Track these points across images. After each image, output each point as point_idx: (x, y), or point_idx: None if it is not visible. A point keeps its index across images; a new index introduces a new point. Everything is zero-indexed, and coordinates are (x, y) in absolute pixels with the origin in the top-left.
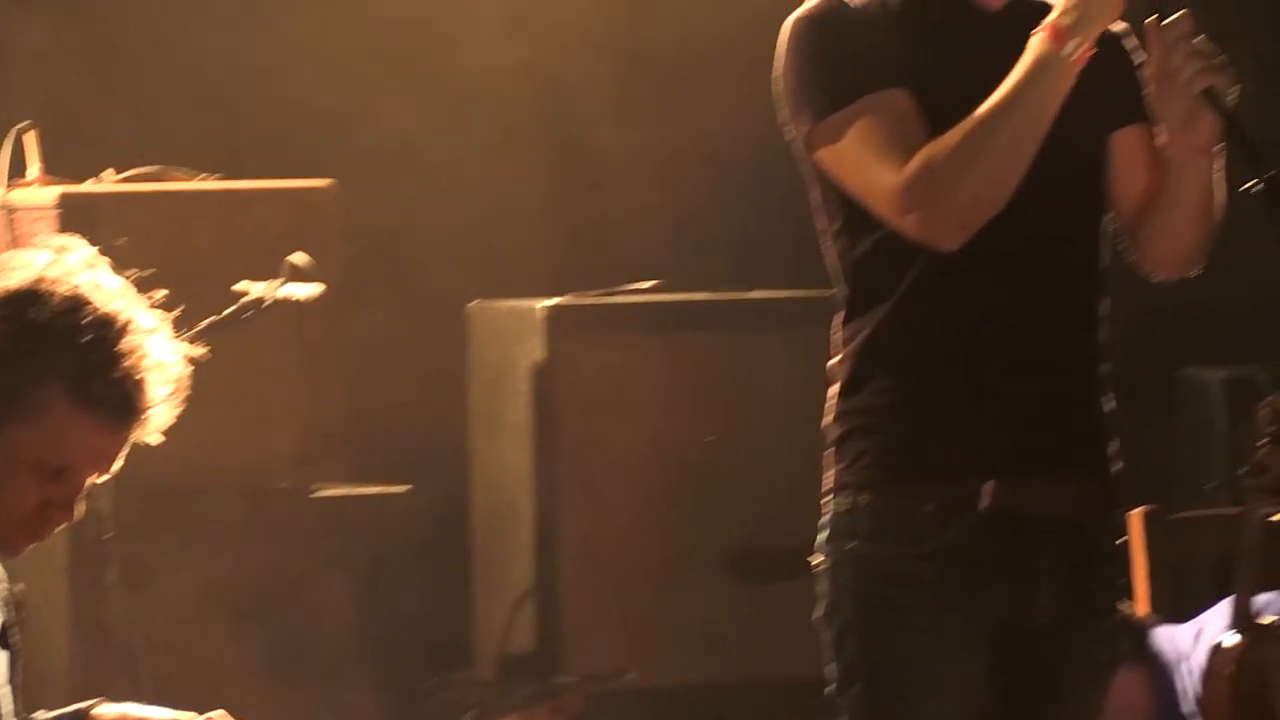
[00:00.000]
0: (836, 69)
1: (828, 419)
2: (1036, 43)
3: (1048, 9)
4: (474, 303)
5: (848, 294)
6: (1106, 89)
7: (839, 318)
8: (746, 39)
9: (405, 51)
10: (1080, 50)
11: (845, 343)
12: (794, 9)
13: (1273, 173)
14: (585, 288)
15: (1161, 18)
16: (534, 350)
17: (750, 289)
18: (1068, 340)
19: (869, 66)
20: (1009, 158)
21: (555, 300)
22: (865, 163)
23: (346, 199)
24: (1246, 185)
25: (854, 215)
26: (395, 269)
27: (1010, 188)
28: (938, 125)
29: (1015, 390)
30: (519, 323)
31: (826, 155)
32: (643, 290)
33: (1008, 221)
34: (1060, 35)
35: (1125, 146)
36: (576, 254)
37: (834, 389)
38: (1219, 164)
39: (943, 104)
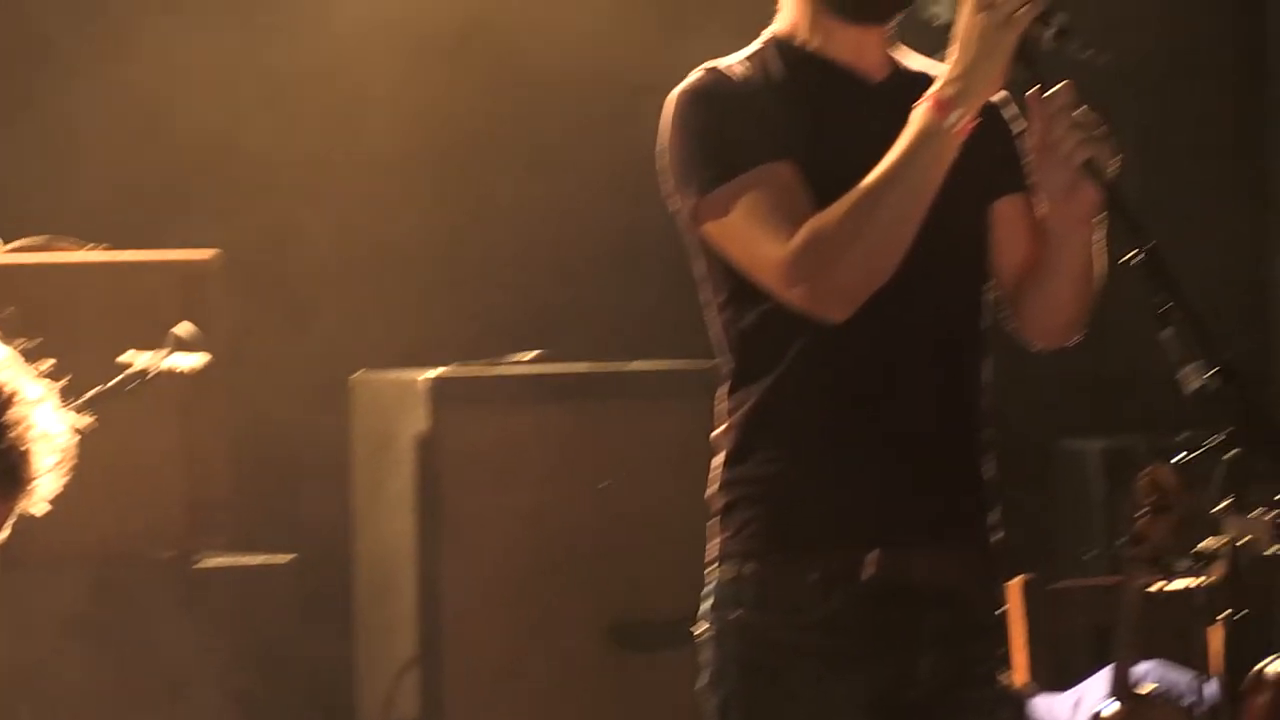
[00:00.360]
0: (721, 143)
1: (713, 488)
2: (920, 114)
3: (930, 80)
4: (358, 373)
5: (733, 365)
6: (988, 159)
7: (724, 388)
8: (631, 110)
9: (293, 124)
10: (963, 122)
11: (730, 413)
12: (676, 82)
13: (1152, 244)
14: (468, 359)
15: (1043, 89)
16: (417, 420)
17: (632, 360)
18: (951, 410)
19: (753, 140)
20: (894, 229)
21: (438, 371)
22: (752, 236)
23: (232, 270)
24: (1126, 256)
25: (739, 287)
26: (280, 339)
27: (896, 259)
28: (823, 198)
29: (899, 460)
30: (402, 393)
31: (713, 229)
32: (525, 361)
33: (892, 292)
34: (943, 107)
35: (1006, 216)
36: (460, 325)
37: (719, 459)
38: (1099, 234)
39: (827, 176)
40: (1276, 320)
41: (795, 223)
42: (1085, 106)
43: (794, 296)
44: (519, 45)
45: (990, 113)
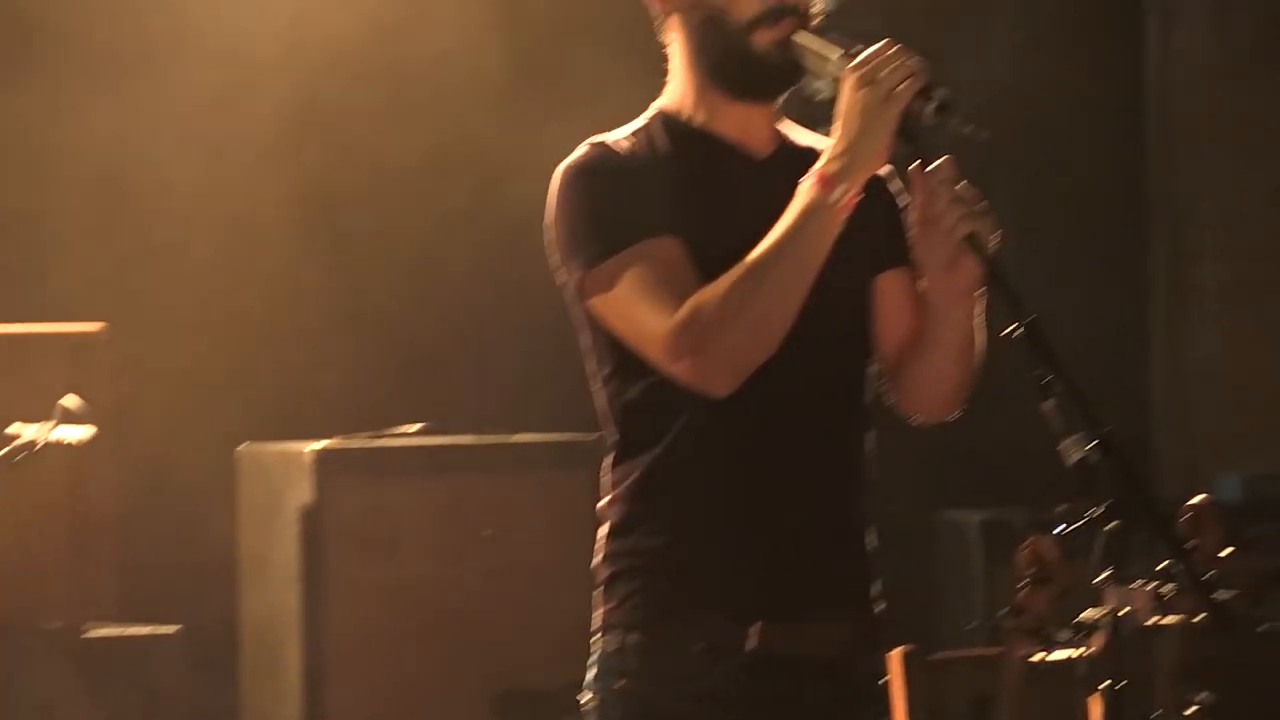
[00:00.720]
0: (606, 217)
1: (597, 559)
2: (805, 190)
3: (815, 155)
4: (243, 445)
5: (618, 438)
6: (871, 233)
7: (609, 460)
8: (511, 182)
9: (177, 195)
10: (848, 197)
11: (615, 485)
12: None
13: (1032, 317)
14: (353, 431)
15: (924, 164)
16: (302, 492)
17: (514, 432)
18: (834, 482)
19: (639, 215)
20: (778, 304)
21: (323, 443)
22: (637, 310)
23: (118, 342)
24: (1007, 330)
25: (624, 361)
26: (166, 411)
27: (780, 333)
28: (707, 272)
29: (783, 532)
30: (287, 465)
31: (598, 303)
32: (409, 434)
33: (776, 365)
34: (828, 182)
35: (889, 290)
36: (344, 398)
37: (604, 530)
38: (980, 308)
39: (712, 251)
40: (1155, 393)
41: (681, 297)
42: (966, 181)
43: (679, 370)
44: (395, 120)
45: (874, 187)
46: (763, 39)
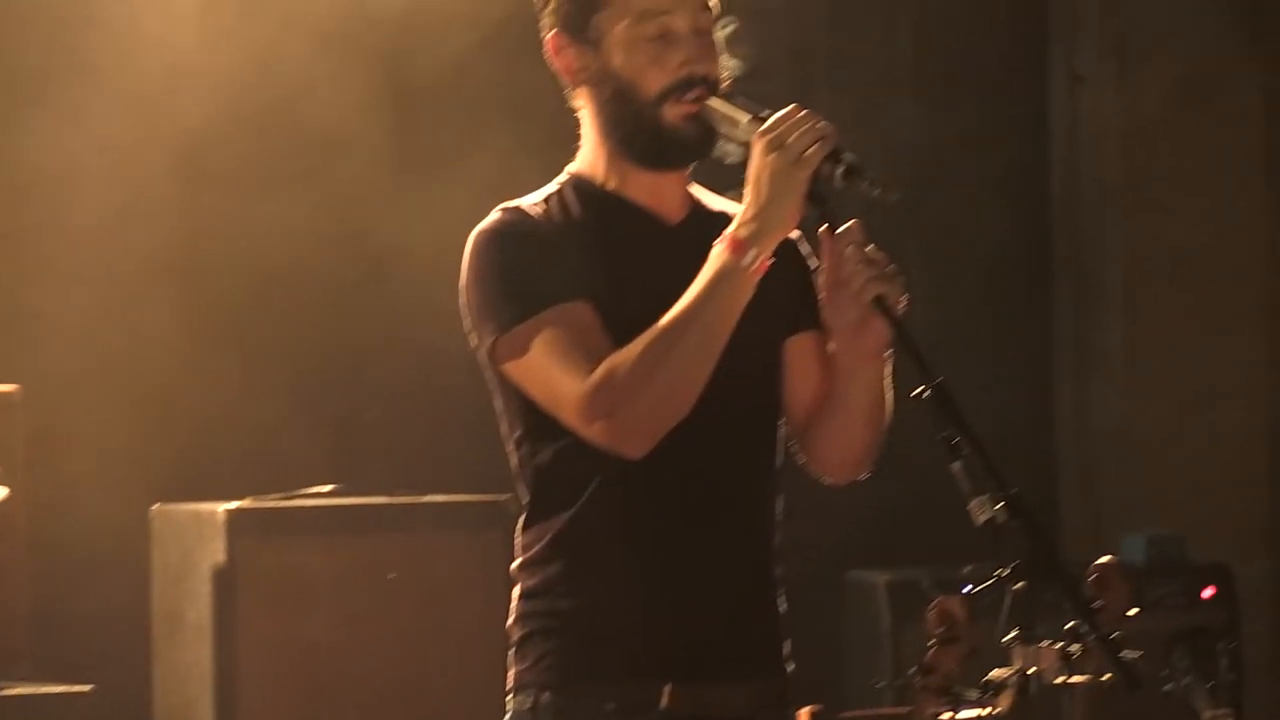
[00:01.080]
0: (520, 281)
1: (511, 620)
2: (717, 254)
3: (727, 219)
4: (156, 505)
5: (530, 499)
6: (782, 296)
7: (522, 522)
8: (424, 244)
9: (87, 256)
10: (759, 261)
11: (528, 547)
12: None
13: (940, 379)
14: (265, 492)
15: (833, 227)
16: (215, 552)
17: (425, 493)
18: (745, 543)
19: (552, 278)
20: (691, 366)
21: (235, 504)
22: (551, 373)
23: (31, 403)
24: (915, 391)
25: (537, 423)
26: (79, 472)
27: (694, 395)
28: (620, 337)
29: (694, 593)
30: (200, 525)
31: (512, 367)
32: (321, 494)
33: (688, 427)
34: (739, 247)
35: (798, 352)
36: (257, 458)
37: (517, 591)
38: (888, 370)
39: (625, 316)
40: (1061, 455)
41: (594, 360)
42: (874, 244)
43: (593, 432)
44: (294, 184)
45: (784, 250)
46: (673, 112)
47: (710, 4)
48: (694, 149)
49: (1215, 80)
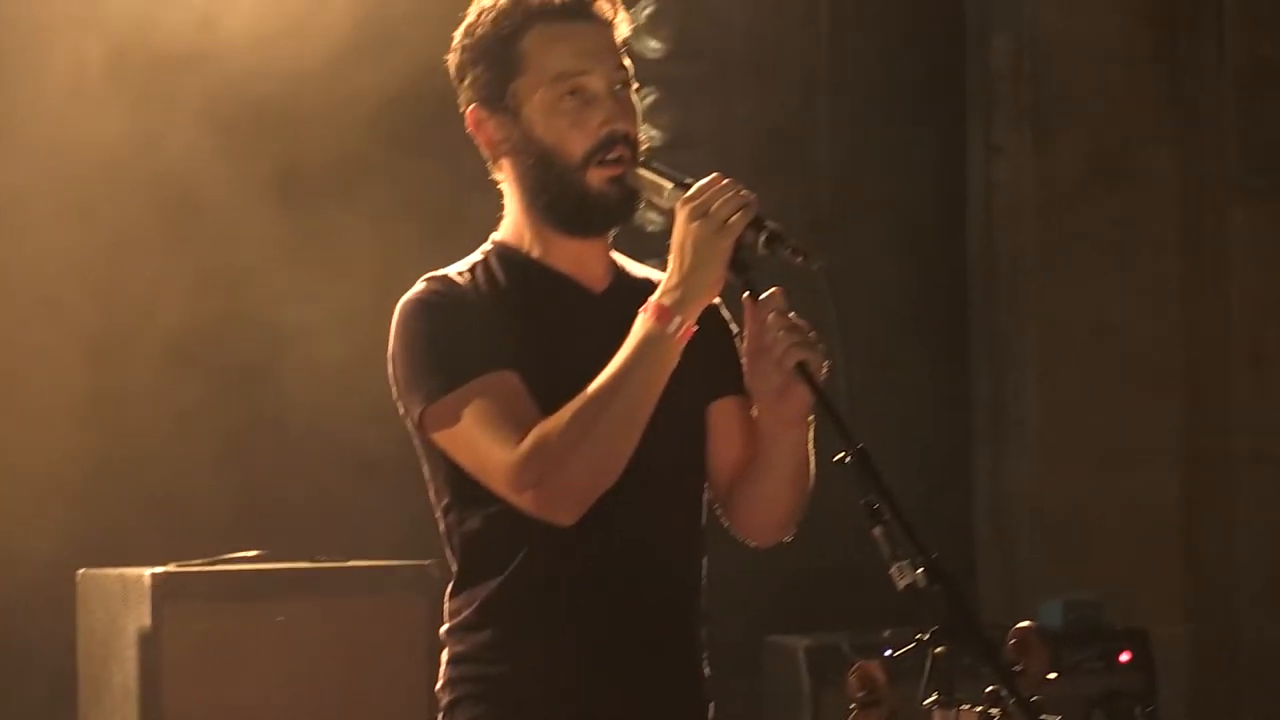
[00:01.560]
0: (447, 351)
1: (440, 684)
2: (641, 322)
3: (651, 287)
4: (83, 570)
5: (459, 566)
6: (704, 362)
7: (450, 587)
8: (358, 312)
9: (8, 320)
10: (684, 328)
11: (456, 612)
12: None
13: (860, 445)
14: (191, 557)
15: (755, 294)
16: (140, 616)
17: (350, 559)
18: (672, 608)
19: (479, 348)
20: (619, 433)
21: (161, 568)
22: (480, 442)
23: None
24: (836, 457)
25: (465, 491)
26: (4, 536)
27: (622, 462)
28: (547, 405)
29: (622, 658)
30: (126, 590)
31: (441, 436)
32: (246, 559)
33: (615, 493)
34: (664, 314)
35: (722, 417)
36: (185, 524)
37: (445, 655)
38: (810, 435)
39: (550, 385)
40: (979, 521)
41: (522, 429)
42: (795, 312)
43: (523, 500)
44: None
45: (707, 315)
46: (596, 177)
47: (624, 63)
48: (617, 214)
49: (1130, 149)
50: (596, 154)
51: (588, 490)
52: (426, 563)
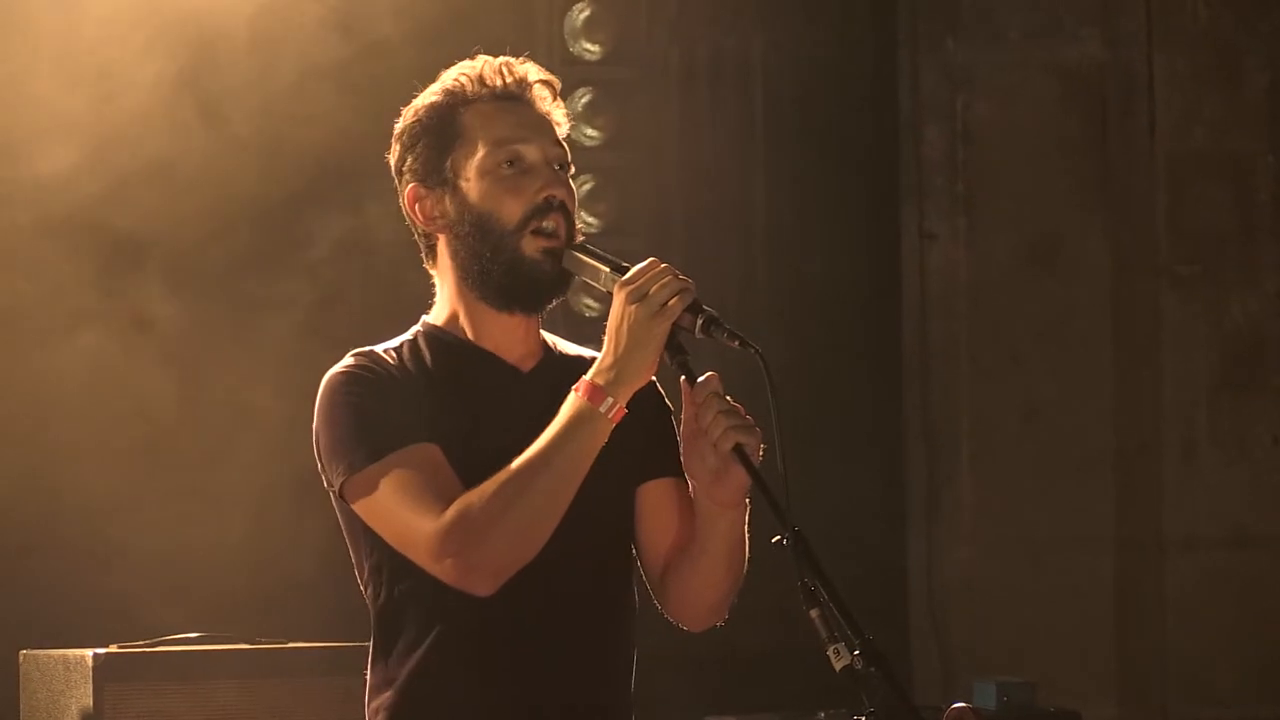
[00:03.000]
0: (371, 423)
1: None
2: (572, 401)
3: (581, 364)
4: (24, 651)
5: (380, 640)
6: (635, 443)
7: (370, 659)
8: (280, 375)
9: None
10: (615, 409)
11: (379, 686)
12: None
13: (796, 528)
14: (132, 639)
15: (691, 378)
16: (83, 696)
17: (288, 640)
18: (597, 687)
19: (401, 420)
20: (543, 509)
21: (104, 649)
22: (401, 512)
23: None
24: (774, 539)
25: (385, 562)
26: None
27: (544, 537)
28: (468, 481)
29: None
30: (69, 670)
31: (362, 506)
32: (188, 639)
33: (538, 568)
34: (596, 394)
35: (655, 499)
36: (125, 608)
37: None
38: (746, 517)
39: (474, 461)
40: (913, 604)
41: (445, 500)
42: (730, 395)
43: (442, 569)
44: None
45: (646, 397)
46: (531, 245)
47: (561, 140)
48: (548, 288)
49: (1062, 236)
50: (532, 219)
51: (508, 563)
52: (364, 644)
